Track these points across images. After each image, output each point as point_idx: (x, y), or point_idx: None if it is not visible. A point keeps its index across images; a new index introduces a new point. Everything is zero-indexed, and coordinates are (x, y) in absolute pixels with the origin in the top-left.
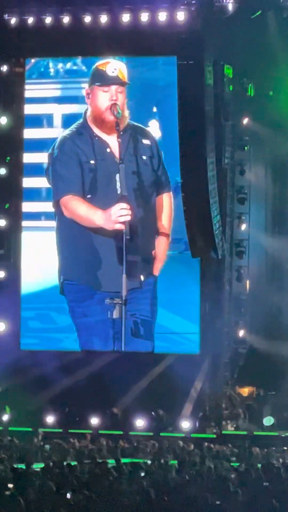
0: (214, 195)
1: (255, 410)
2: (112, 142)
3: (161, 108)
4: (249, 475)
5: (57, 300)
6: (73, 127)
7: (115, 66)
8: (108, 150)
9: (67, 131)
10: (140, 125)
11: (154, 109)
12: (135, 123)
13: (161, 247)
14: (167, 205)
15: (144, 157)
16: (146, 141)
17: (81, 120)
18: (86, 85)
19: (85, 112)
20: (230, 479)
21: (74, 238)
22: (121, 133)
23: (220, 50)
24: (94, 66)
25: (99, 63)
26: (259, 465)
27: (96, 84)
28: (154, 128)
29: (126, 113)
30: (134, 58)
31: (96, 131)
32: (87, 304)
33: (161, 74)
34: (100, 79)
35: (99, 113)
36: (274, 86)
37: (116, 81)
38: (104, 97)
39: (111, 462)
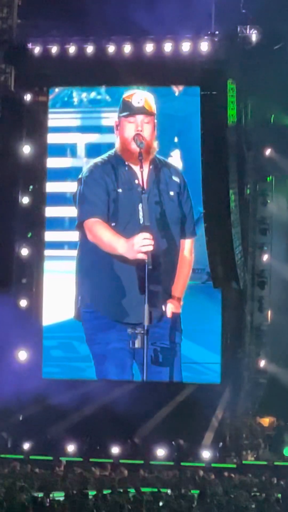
0: (236, 225)
1: (276, 440)
2: (143, 173)
3: (182, 139)
4: (269, 505)
5: (80, 329)
6: (105, 155)
7: (140, 96)
8: (136, 181)
9: (99, 159)
10: (171, 163)
11: (176, 140)
12: (167, 160)
13: (169, 310)
14: (186, 265)
15: (172, 193)
16: (175, 178)
17: (113, 150)
18: (109, 115)
19: (115, 143)
20: (250, 509)
21: (95, 266)
22: (150, 166)
23: (243, 80)
24: (122, 98)
25: (126, 94)
26: (279, 495)
27: (122, 115)
28: (176, 158)
29: (155, 143)
30: (154, 89)
31: (127, 160)
32: (104, 332)
33: (181, 105)
34: (126, 110)
35: (126, 143)
36: None
37: (141, 111)
38: (130, 128)
39: (131, 491)
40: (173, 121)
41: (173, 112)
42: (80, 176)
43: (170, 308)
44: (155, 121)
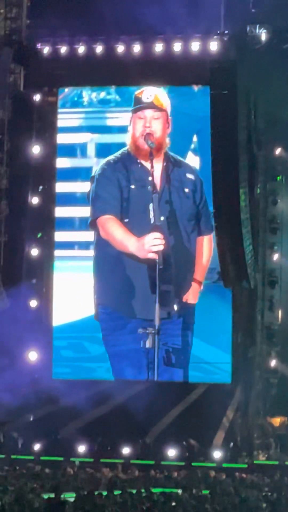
0: (247, 225)
1: (287, 440)
2: (155, 171)
3: (201, 138)
4: (281, 505)
5: (90, 329)
6: (118, 153)
7: (150, 92)
8: (149, 178)
9: (111, 156)
10: (185, 160)
11: (195, 138)
12: (180, 158)
13: (191, 295)
14: (206, 254)
15: (187, 190)
16: (190, 176)
17: (126, 148)
18: (119, 115)
19: (127, 139)
20: (261, 509)
21: (109, 264)
22: (164, 163)
23: (253, 79)
24: (134, 94)
25: (138, 91)
26: None
27: (132, 110)
28: (194, 157)
29: (166, 140)
30: (173, 87)
31: (137, 157)
32: (120, 333)
33: (200, 105)
34: (135, 105)
35: (134, 139)
36: None
37: (149, 106)
38: (139, 124)
39: (142, 491)
40: (191, 120)
41: (192, 111)
42: (92, 174)
43: (187, 297)
44: (169, 117)
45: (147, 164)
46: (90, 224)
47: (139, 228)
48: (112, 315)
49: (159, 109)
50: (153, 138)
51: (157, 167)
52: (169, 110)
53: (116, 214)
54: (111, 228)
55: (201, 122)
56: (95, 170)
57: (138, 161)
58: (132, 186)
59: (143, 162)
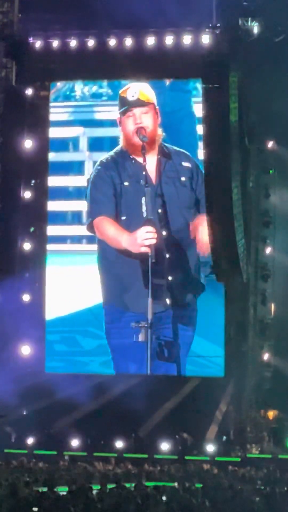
0: (239, 218)
1: (280, 433)
2: (149, 165)
3: (168, 134)
4: (274, 498)
5: (83, 323)
6: (112, 152)
7: (135, 89)
8: (144, 172)
9: (105, 156)
10: (181, 150)
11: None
12: (176, 148)
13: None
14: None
15: (183, 178)
16: (186, 164)
17: (119, 146)
18: (111, 108)
19: (120, 139)
20: (255, 503)
21: (109, 261)
22: (158, 155)
23: (245, 73)
24: (119, 94)
25: (122, 90)
26: (284, 488)
27: (120, 111)
28: None
29: (159, 131)
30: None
31: (132, 154)
32: (122, 326)
33: (168, 100)
34: (122, 105)
35: (128, 138)
36: None
37: (136, 104)
38: (130, 122)
39: (136, 485)
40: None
41: (159, 107)
42: (88, 176)
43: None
44: (157, 108)
45: (140, 159)
46: (87, 227)
47: (136, 223)
48: (115, 308)
49: (146, 104)
50: (144, 131)
51: (151, 161)
52: (155, 101)
53: (110, 214)
54: (104, 227)
55: (167, 117)
56: (91, 173)
57: (131, 157)
58: (126, 183)
59: (136, 157)
